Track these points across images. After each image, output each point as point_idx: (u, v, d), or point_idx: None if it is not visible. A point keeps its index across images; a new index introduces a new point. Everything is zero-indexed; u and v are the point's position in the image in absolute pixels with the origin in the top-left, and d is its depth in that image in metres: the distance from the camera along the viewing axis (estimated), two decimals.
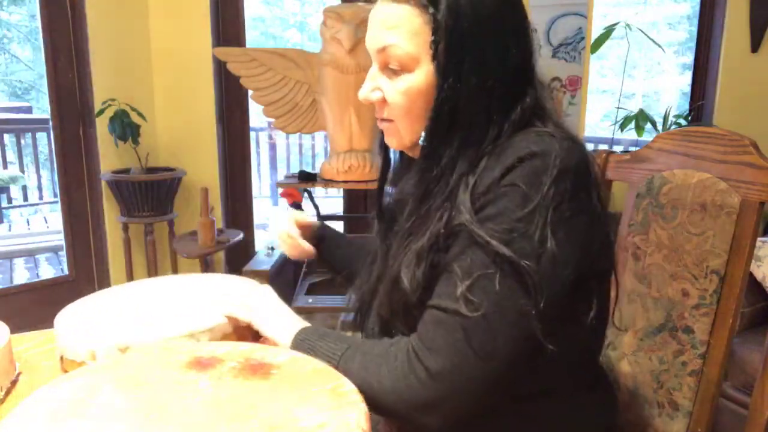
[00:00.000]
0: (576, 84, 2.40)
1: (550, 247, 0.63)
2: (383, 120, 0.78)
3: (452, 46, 0.68)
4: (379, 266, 0.83)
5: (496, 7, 0.69)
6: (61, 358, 0.82)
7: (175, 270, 2.24)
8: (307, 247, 1.05)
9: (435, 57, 0.69)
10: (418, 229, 0.72)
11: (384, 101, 0.75)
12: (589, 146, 3.77)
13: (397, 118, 0.75)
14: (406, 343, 0.68)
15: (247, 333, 0.86)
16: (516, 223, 0.63)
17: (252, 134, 3.13)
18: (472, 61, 0.68)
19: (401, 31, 0.70)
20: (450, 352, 0.64)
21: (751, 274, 1.74)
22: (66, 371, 0.80)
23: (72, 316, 0.86)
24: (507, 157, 0.65)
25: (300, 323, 0.78)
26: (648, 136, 2.68)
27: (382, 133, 0.81)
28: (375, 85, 0.76)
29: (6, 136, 4.74)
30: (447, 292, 0.65)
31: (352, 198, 2.87)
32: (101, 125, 2.44)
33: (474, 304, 0.63)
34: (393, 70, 0.73)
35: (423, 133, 0.74)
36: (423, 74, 0.71)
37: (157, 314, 0.88)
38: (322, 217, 2.60)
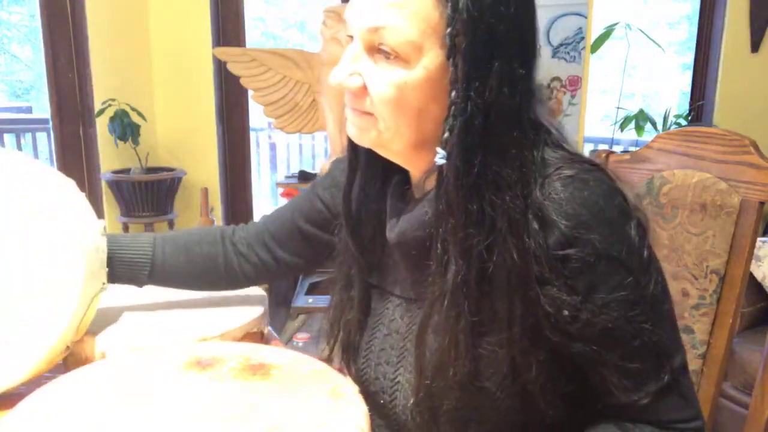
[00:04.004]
0: (576, 84, 2.40)
1: (664, 302, 0.63)
2: (359, 111, 0.63)
3: (477, 43, 0.56)
4: (396, 328, 0.72)
5: (521, 5, 0.59)
6: (66, 357, 0.82)
7: None
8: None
9: (451, 54, 0.56)
10: (478, 302, 0.61)
11: (364, 90, 0.61)
12: (589, 146, 3.78)
13: (382, 114, 0.61)
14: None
15: (257, 340, 0.86)
16: (629, 298, 0.59)
17: (252, 134, 3.13)
18: (501, 68, 0.57)
19: (405, 12, 0.57)
20: (697, 408, 0.64)
21: (751, 274, 1.74)
22: (70, 370, 0.80)
23: None
24: (563, 208, 0.58)
25: None
26: (648, 136, 2.68)
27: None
28: (355, 70, 0.61)
29: (6, 136, 4.73)
30: (617, 386, 0.61)
31: None
32: (101, 125, 2.44)
33: (673, 372, 0.61)
34: (384, 55, 0.59)
35: (440, 151, 0.59)
36: (423, 68, 0.58)
37: (167, 316, 0.88)
38: None
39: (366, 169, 0.72)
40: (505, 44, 0.57)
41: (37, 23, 2.43)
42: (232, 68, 2.34)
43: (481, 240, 0.59)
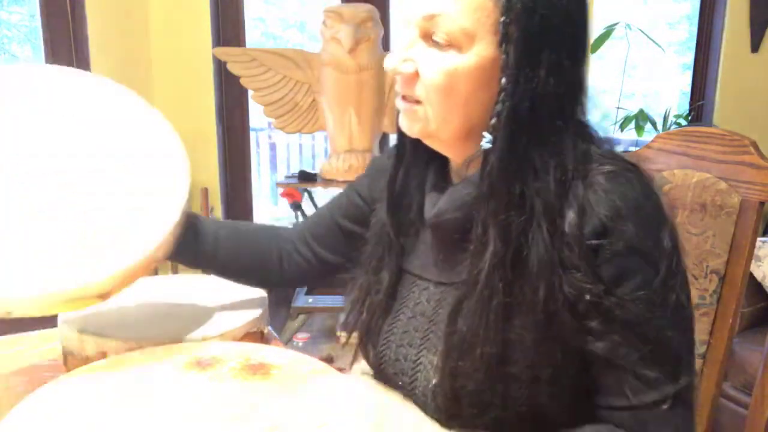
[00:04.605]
0: None
1: (687, 311, 0.62)
2: (410, 100, 0.66)
3: (529, 33, 0.59)
4: (423, 310, 0.73)
5: (575, 1, 0.62)
6: (66, 357, 0.82)
7: (175, 270, 2.23)
8: None
9: (504, 42, 0.59)
10: (511, 284, 0.62)
11: (416, 76, 0.64)
12: None
13: (431, 101, 0.64)
14: None
15: (257, 340, 0.86)
16: (653, 298, 0.60)
17: (252, 134, 3.13)
18: (549, 60, 0.60)
19: (461, 0, 0.60)
20: None
21: (751, 274, 1.74)
22: (70, 370, 0.80)
23: (78, 314, 0.86)
24: (601, 202, 0.60)
25: None
26: (648, 136, 2.68)
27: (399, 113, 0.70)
28: (408, 56, 0.64)
29: None
30: (637, 387, 0.61)
31: None
32: None
33: (681, 389, 0.61)
34: (437, 42, 0.62)
35: (487, 135, 0.62)
36: (475, 56, 0.61)
37: (167, 316, 0.88)
38: None
39: (411, 156, 0.75)
40: (555, 36, 0.60)
41: (37, 23, 2.43)
42: (232, 68, 2.33)
43: (520, 223, 0.61)
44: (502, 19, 0.59)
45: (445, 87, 0.62)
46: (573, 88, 0.63)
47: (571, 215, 0.60)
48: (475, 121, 0.64)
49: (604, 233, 0.59)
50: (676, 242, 0.62)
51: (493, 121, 0.61)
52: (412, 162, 0.76)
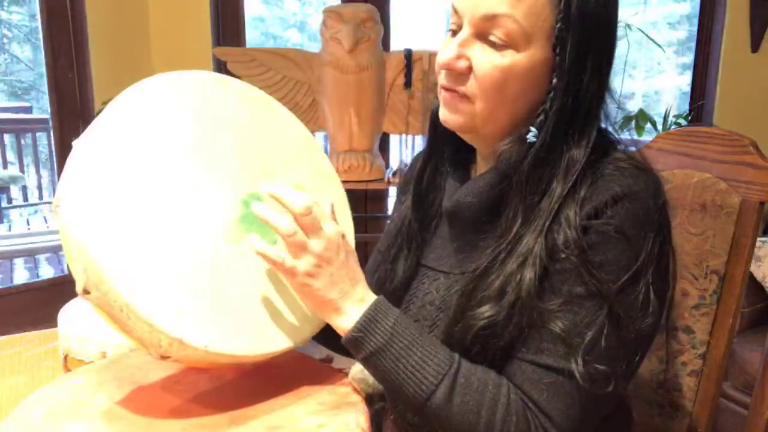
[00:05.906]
0: None
1: (652, 309, 0.62)
2: (457, 94, 0.68)
3: (581, 40, 0.63)
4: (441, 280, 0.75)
5: (613, 12, 0.66)
6: (66, 356, 0.82)
7: None
8: None
9: (559, 46, 0.63)
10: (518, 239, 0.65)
11: (469, 72, 0.66)
12: None
13: (481, 97, 0.66)
14: (519, 401, 0.61)
15: None
16: (624, 281, 0.61)
17: None
18: (593, 64, 0.64)
19: (523, 4, 0.62)
20: (571, 425, 0.61)
21: (751, 274, 1.74)
22: (70, 370, 0.80)
23: (78, 314, 0.85)
24: (606, 188, 0.63)
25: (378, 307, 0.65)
26: (648, 136, 2.68)
27: (435, 109, 0.72)
28: (463, 53, 0.66)
29: (6, 136, 4.73)
30: (552, 349, 0.61)
31: (353, 198, 2.87)
32: None
33: (590, 374, 0.59)
34: (492, 42, 0.64)
35: (533, 129, 0.65)
36: (528, 57, 0.64)
37: None
38: None
39: (441, 150, 0.79)
40: (599, 44, 0.65)
41: (37, 23, 2.43)
42: (232, 68, 2.33)
43: (548, 212, 0.64)
44: (558, 25, 0.63)
45: (499, 84, 0.64)
46: (605, 91, 0.67)
47: (578, 198, 0.63)
48: (518, 119, 0.67)
49: (596, 215, 0.62)
50: (667, 255, 0.65)
51: (541, 117, 0.65)
52: (441, 156, 0.79)
